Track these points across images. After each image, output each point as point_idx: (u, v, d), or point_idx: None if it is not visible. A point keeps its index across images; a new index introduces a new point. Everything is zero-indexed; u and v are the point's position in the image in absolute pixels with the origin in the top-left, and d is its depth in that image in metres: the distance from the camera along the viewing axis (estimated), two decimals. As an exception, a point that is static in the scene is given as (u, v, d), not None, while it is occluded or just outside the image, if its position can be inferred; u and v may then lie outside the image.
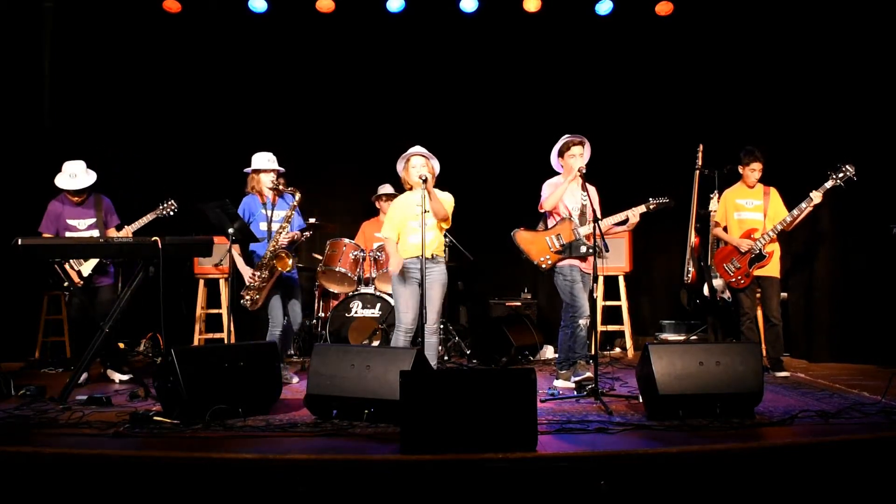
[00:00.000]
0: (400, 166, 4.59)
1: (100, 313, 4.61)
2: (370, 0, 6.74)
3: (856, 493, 2.91)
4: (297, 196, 4.90)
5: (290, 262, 4.84)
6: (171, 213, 5.35)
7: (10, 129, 6.43)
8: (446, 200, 4.56)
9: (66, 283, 4.85)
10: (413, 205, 4.50)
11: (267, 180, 4.96)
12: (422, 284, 4.30)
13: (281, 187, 4.97)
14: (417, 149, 4.55)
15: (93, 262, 5.03)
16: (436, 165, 4.60)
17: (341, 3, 6.73)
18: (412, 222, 4.49)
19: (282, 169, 5.04)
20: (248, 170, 5.03)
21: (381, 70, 7.17)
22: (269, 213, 4.94)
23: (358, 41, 7.07)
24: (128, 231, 5.14)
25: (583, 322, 4.61)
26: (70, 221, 5.11)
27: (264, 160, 4.98)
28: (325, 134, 7.19)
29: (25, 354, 6.46)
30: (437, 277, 4.45)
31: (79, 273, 4.98)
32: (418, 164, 4.49)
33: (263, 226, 4.94)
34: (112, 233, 5.17)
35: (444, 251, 4.60)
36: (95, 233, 5.10)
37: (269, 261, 4.80)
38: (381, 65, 7.17)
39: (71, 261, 4.92)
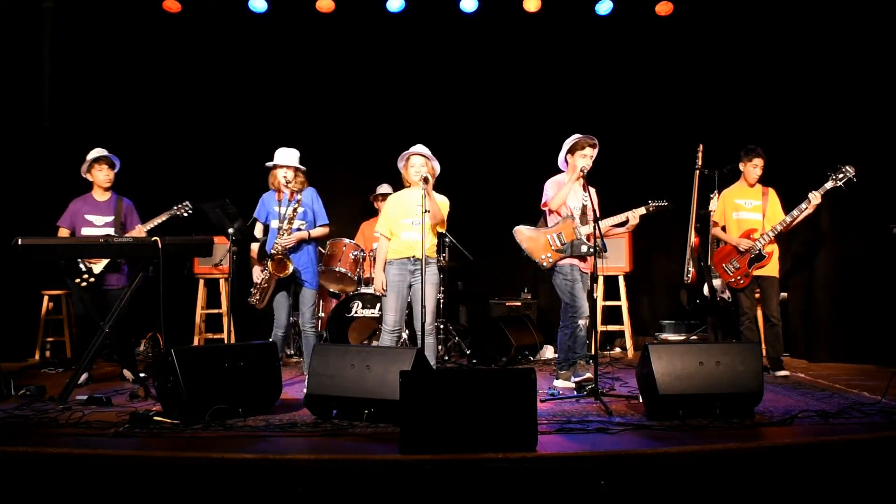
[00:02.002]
0: (401, 164, 4.61)
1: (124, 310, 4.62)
2: (370, 0, 6.74)
3: (856, 493, 2.91)
4: (298, 197, 4.76)
5: (290, 266, 4.70)
6: (186, 214, 5.31)
7: (10, 128, 6.44)
8: (443, 204, 4.59)
9: (77, 280, 4.91)
10: (409, 203, 4.53)
11: (280, 176, 4.81)
12: (422, 285, 4.31)
13: (291, 185, 4.80)
14: (419, 148, 4.56)
15: (104, 260, 5.03)
16: (436, 166, 4.60)
17: (341, 3, 6.73)
18: (405, 219, 4.52)
19: (302, 167, 4.88)
20: (269, 164, 4.91)
21: (381, 70, 7.17)
22: (283, 210, 4.78)
23: (358, 41, 7.07)
24: (141, 230, 5.14)
25: (582, 322, 4.61)
26: (88, 217, 5.12)
27: (280, 155, 4.84)
28: (324, 134, 7.18)
29: (25, 354, 6.46)
30: (429, 279, 4.44)
31: (89, 271, 4.99)
32: (418, 163, 4.51)
33: (275, 223, 4.82)
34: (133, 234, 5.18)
35: (439, 254, 4.55)
36: (111, 231, 5.08)
37: (268, 262, 4.71)
38: (381, 65, 7.17)
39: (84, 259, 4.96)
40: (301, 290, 4.89)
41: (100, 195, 5.21)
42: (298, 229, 4.83)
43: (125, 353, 5.20)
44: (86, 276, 4.97)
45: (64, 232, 5.08)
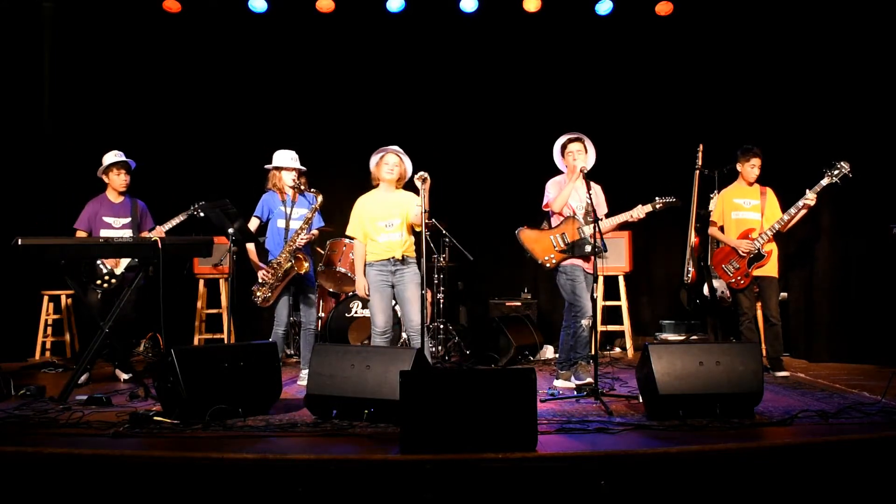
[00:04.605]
0: (373, 161, 4.63)
1: (127, 311, 4.66)
2: (370, 0, 6.74)
3: (856, 493, 2.91)
4: (320, 199, 4.85)
5: (306, 264, 4.80)
6: (203, 215, 5.34)
7: (10, 130, 6.43)
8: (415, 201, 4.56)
9: (99, 282, 4.97)
10: (383, 204, 4.54)
11: (288, 178, 4.93)
12: (421, 286, 4.27)
13: (303, 187, 4.94)
14: (393, 147, 4.60)
15: (125, 261, 5.07)
16: (408, 165, 4.63)
17: (341, 3, 6.73)
18: (380, 222, 4.52)
19: (304, 168, 5.02)
20: (269, 166, 5.01)
21: (381, 70, 7.17)
22: (289, 210, 4.91)
23: (358, 41, 7.07)
24: (160, 231, 5.20)
25: (585, 322, 4.60)
26: (106, 219, 5.15)
27: (287, 158, 4.96)
28: (324, 133, 7.18)
29: (25, 354, 6.46)
30: (411, 278, 4.46)
31: (111, 272, 5.04)
32: (392, 161, 4.55)
33: (281, 223, 4.91)
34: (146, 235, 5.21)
35: (438, 253, 4.54)
36: (129, 233, 5.15)
37: (285, 261, 4.76)
38: (381, 65, 7.17)
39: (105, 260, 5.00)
40: (302, 289, 4.96)
41: (115, 197, 5.24)
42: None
43: (122, 354, 5.19)
44: (107, 277, 5.01)
45: (81, 234, 5.10)
